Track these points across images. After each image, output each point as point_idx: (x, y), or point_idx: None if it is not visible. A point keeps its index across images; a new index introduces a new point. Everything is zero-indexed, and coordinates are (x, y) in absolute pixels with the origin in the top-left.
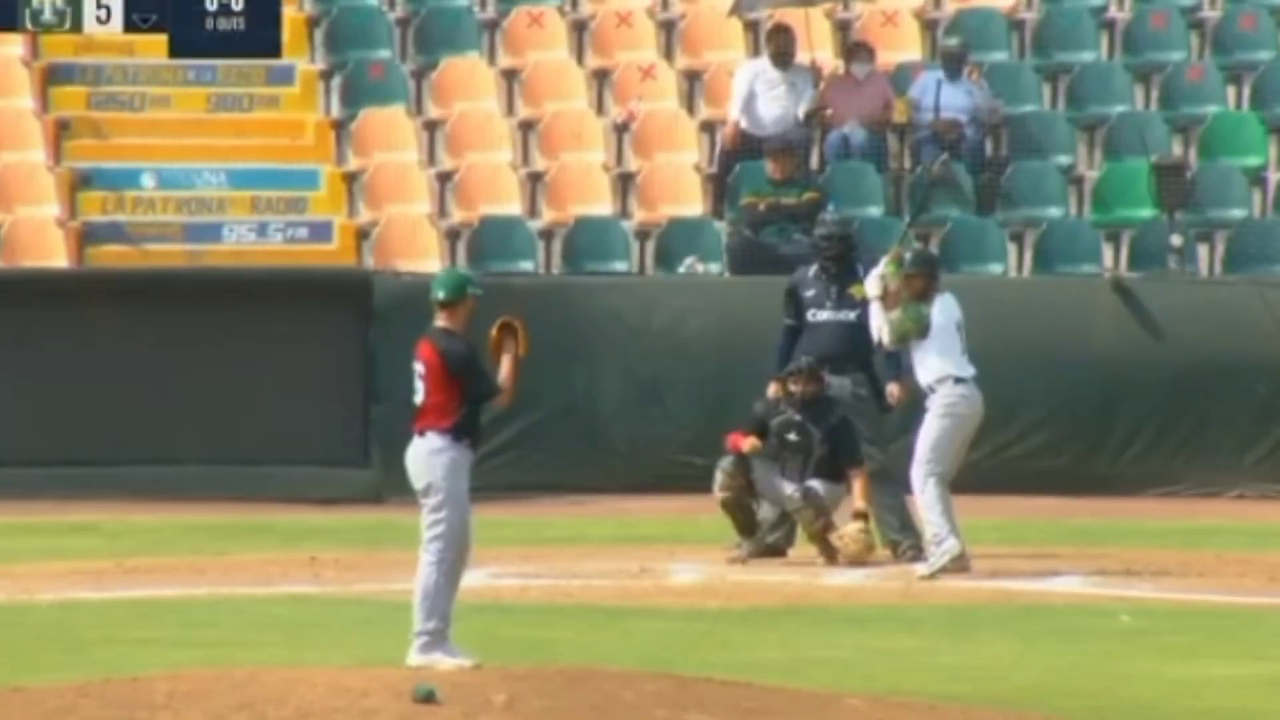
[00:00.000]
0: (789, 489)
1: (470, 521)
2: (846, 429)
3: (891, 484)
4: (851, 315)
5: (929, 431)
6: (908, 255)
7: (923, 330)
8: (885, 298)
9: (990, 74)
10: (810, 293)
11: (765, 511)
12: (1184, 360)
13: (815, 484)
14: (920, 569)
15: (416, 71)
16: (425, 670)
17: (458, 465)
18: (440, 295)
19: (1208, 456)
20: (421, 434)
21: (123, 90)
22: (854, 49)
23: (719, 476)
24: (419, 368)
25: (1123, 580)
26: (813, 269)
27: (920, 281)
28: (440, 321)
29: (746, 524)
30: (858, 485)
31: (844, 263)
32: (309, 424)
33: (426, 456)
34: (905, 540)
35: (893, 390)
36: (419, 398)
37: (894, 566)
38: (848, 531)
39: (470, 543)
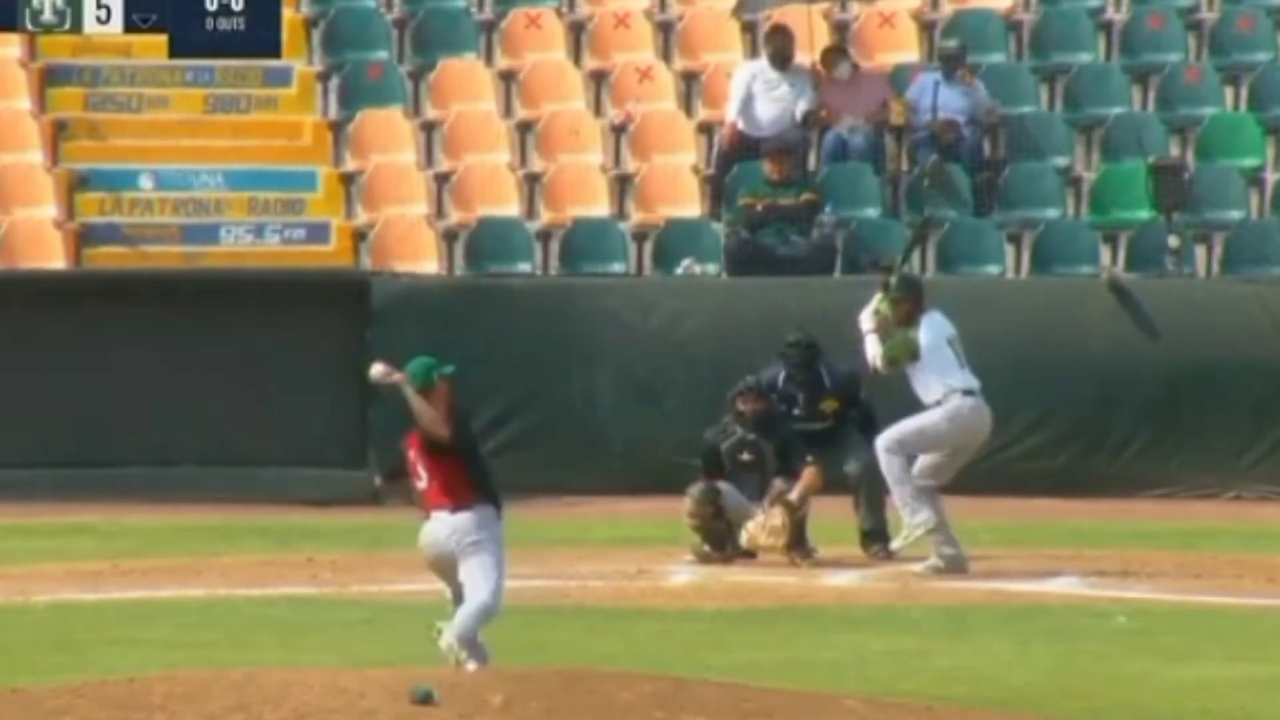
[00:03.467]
0: (757, 508)
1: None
2: (793, 440)
3: (877, 484)
4: (824, 425)
5: (923, 423)
6: (893, 280)
7: (913, 353)
8: (880, 330)
9: (988, 75)
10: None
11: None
12: (1181, 361)
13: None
14: (896, 544)
15: (414, 72)
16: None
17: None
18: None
19: (1204, 458)
20: (454, 511)
21: (120, 91)
22: (826, 54)
23: (687, 503)
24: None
25: (1119, 581)
26: (781, 375)
27: (907, 305)
28: None
29: (716, 542)
30: (804, 479)
31: (810, 371)
32: (306, 425)
33: (475, 528)
34: (875, 543)
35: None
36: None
37: (891, 568)
38: (759, 521)
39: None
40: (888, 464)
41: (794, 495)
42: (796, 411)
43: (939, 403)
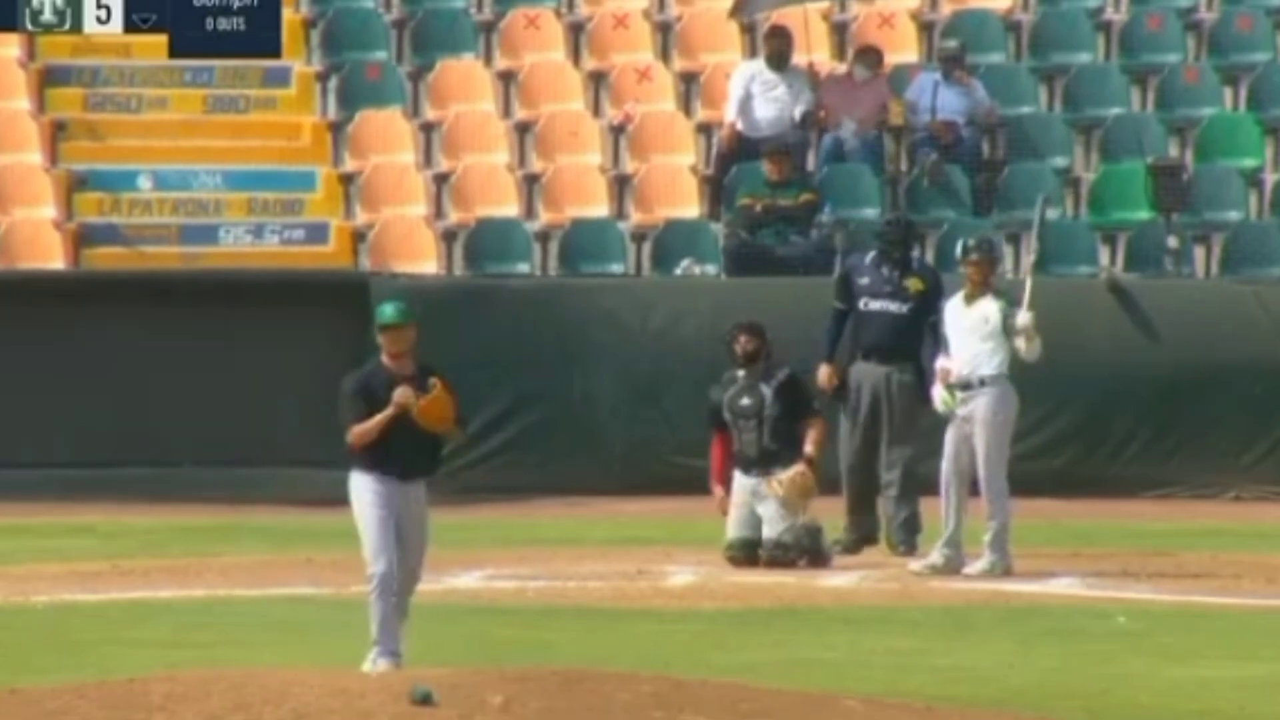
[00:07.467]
0: (777, 524)
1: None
2: (794, 383)
3: (913, 489)
4: (905, 308)
5: (999, 441)
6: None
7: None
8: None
9: (987, 75)
10: (865, 280)
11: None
12: (1180, 362)
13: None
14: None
15: (413, 73)
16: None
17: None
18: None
19: (1204, 458)
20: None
21: (119, 92)
22: (861, 52)
23: (726, 554)
24: None
25: (1119, 581)
26: (869, 256)
27: (987, 266)
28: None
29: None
30: (812, 433)
31: (905, 249)
32: (305, 425)
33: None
34: (903, 546)
35: (945, 366)
36: None
37: (890, 568)
38: (786, 474)
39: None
40: (1005, 499)
41: (810, 448)
42: (884, 293)
43: (982, 380)
